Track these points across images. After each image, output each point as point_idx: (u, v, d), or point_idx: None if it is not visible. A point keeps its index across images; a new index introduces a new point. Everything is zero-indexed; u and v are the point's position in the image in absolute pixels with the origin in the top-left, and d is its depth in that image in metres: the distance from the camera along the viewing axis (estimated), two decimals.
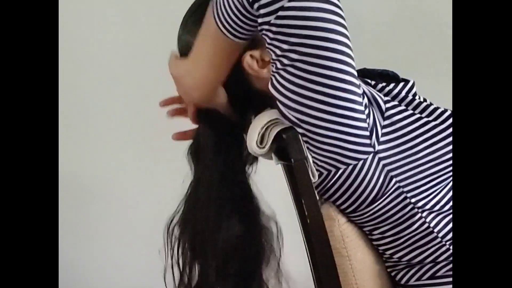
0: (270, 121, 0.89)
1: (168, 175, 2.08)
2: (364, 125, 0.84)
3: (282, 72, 0.84)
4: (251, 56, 0.91)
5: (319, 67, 0.81)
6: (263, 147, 0.89)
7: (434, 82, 1.58)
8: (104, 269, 2.06)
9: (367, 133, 0.85)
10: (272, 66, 0.86)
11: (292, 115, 0.85)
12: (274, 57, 0.84)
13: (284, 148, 0.87)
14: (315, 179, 0.88)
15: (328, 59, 0.81)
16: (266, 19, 0.81)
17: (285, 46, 0.82)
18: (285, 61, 0.83)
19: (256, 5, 0.81)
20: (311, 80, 0.82)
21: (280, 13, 0.80)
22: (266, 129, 0.89)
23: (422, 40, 1.95)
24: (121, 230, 2.06)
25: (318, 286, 0.92)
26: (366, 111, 0.84)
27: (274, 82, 0.86)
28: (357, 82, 0.84)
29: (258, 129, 0.89)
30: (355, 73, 0.83)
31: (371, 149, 0.85)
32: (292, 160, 0.86)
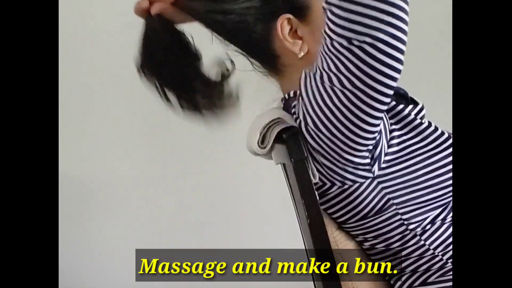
0: (272, 120, 0.88)
1: (167, 175, 2.09)
2: (368, 154, 0.85)
3: (329, 88, 0.81)
4: (289, 20, 0.89)
5: (360, 98, 0.79)
6: (264, 147, 0.89)
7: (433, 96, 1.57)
8: (104, 268, 2.06)
9: (369, 161, 0.85)
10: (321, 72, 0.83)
11: (309, 116, 0.84)
12: (325, 67, 0.82)
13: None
14: (315, 179, 0.88)
15: (371, 99, 0.79)
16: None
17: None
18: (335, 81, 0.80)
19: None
20: (351, 100, 0.80)
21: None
22: (268, 129, 0.88)
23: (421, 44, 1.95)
24: (121, 230, 2.06)
25: (318, 286, 0.92)
26: (375, 143, 0.85)
27: (316, 86, 0.83)
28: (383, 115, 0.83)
29: (259, 129, 0.88)
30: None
31: (370, 175, 0.86)
32: (292, 160, 0.86)
